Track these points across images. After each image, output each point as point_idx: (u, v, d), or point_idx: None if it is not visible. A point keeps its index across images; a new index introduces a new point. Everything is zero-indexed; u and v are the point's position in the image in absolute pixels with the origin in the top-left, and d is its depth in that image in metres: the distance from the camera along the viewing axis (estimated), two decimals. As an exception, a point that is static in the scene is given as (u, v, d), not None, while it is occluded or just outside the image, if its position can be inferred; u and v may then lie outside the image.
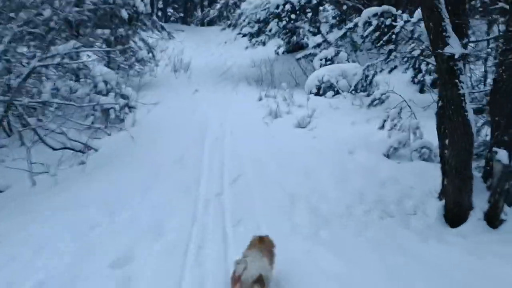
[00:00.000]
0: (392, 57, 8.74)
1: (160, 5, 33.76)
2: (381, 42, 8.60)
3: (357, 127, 7.54)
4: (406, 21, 8.09)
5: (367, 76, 9.42)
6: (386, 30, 8.64)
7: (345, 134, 7.14)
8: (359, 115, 8.23)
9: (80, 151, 6.94)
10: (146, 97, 9.21)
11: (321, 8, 15.49)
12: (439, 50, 4.16)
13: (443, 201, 4.57)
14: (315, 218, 4.59)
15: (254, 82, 12.01)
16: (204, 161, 6.17)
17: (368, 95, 9.70)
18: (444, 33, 4.17)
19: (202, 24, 29.98)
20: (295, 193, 5.17)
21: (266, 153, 6.43)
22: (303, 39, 16.58)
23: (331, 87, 10.22)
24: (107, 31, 9.02)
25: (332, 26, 14.55)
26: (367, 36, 8.74)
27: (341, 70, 10.47)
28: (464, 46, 4.40)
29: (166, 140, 7.08)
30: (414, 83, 10.60)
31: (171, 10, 37.82)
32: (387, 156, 6.15)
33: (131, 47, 10.20)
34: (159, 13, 32.18)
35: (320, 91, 10.18)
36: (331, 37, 12.31)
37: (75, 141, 6.93)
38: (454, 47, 4.16)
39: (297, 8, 11.59)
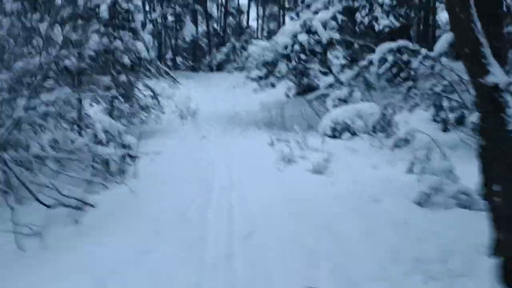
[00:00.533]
0: (411, 94, 8.17)
1: (170, 55, 34.42)
2: (399, 79, 8.05)
3: (379, 171, 6.86)
4: (425, 56, 7.57)
5: (385, 116, 8.83)
6: (403, 66, 8.11)
7: (367, 179, 6.44)
8: (379, 157, 7.58)
9: (76, 207, 6.31)
10: (150, 146, 8.68)
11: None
12: (480, 80, 3.56)
13: (496, 257, 3.81)
14: (343, 282, 3.83)
15: (264, 126, 11.49)
16: (210, 214, 5.47)
17: (388, 136, 9.08)
18: (483, 60, 3.57)
19: (211, 70, 30.18)
20: (316, 250, 4.43)
21: (280, 203, 5.73)
22: (314, 80, 16.26)
23: (346, 128, 9.63)
24: (107, 78, 8.62)
25: (343, 66, 14.17)
26: (383, 74, 8.21)
27: (356, 110, 9.91)
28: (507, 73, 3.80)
29: (170, 192, 6.44)
30: (435, 121, 9.98)
31: (180, 59, 38.57)
32: (419, 204, 5.41)
33: (135, 94, 9.81)
34: (168, 62, 32.62)
35: (335, 133, 9.58)
36: (343, 77, 11.87)
37: (71, 198, 6.31)
38: (497, 75, 3.56)
39: (306, 48, 11.21)
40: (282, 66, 11.21)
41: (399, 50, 7.81)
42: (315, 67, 16.39)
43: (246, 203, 5.77)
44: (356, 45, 12.71)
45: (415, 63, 7.63)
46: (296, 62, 11.09)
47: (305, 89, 16.28)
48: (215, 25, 36.45)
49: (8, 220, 5.81)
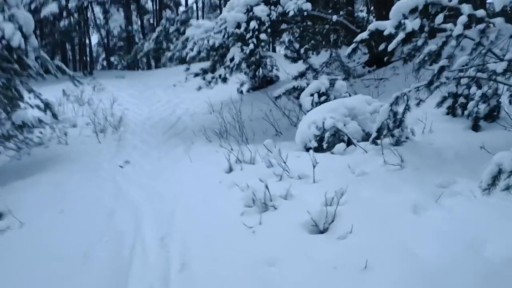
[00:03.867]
0: (442, 79, 5.19)
1: (103, 55, 30.87)
2: (424, 57, 5.03)
3: (431, 220, 3.79)
4: (472, 16, 4.61)
5: (396, 114, 5.85)
6: (427, 35, 5.14)
7: (425, 247, 3.36)
8: (412, 187, 4.50)
9: None
10: (28, 192, 5.16)
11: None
12: None
13: None
14: None
15: (216, 137, 8.20)
16: None
17: (397, 143, 6.13)
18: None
19: (149, 67, 26.81)
20: None
21: None
22: (271, 70, 13.23)
23: (337, 135, 6.56)
24: None
25: (307, 50, 11.13)
26: (403, 50, 5.20)
27: (346, 107, 6.88)
28: None
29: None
30: (453, 115, 7.16)
31: (115, 58, 35.44)
32: None
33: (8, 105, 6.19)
34: (104, 63, 28.94)
35: (322, 144, 6.48)
36: (317, 62, 8.85)
37: None
38: None
39: (267, 24, 7.98)
40: (236, 51, 7.92)
41: (427, 8, 4.82)
42: (272, 55, 13.41)
43: None
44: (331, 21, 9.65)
45: (456, 29, 4.63)
46: (254, 44, 7.84)
47: (261, 83, 13.18)
48: (151, 20, 33.00)
49: None
